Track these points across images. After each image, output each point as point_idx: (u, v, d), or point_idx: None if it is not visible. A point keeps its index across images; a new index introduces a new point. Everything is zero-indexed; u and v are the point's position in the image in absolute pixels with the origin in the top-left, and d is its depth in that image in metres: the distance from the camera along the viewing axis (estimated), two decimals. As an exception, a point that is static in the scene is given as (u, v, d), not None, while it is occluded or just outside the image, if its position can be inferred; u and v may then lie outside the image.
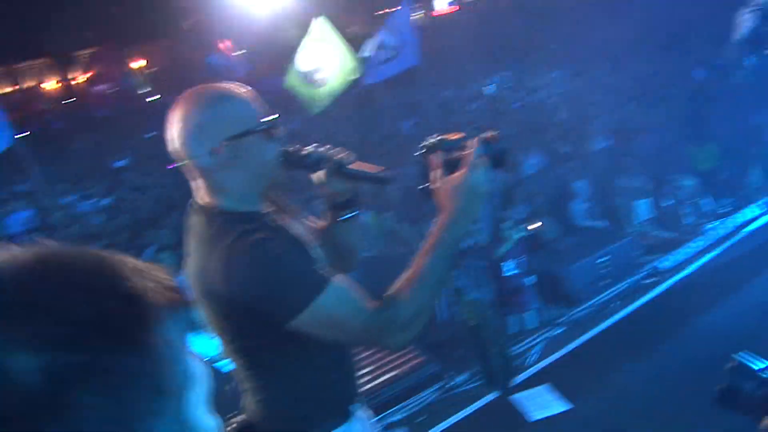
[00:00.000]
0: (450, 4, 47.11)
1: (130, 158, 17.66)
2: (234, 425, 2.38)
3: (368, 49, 11.65)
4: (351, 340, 2.26)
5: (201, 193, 2.27)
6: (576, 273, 7.79)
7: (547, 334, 6.48)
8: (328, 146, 2.46)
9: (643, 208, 10.99)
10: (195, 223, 2.25)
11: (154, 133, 20.61)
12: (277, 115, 2.27)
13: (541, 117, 13.73)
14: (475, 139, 2.18)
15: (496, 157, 2.20)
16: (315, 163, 2.42)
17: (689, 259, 7.29)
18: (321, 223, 2.63)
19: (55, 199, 14.46)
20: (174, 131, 2.20)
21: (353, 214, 2.58)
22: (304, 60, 10.61)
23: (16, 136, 14.49)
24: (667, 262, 7.10)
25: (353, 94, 12.47)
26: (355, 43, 11.33)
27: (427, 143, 2.24)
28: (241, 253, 2.06)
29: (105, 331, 0.78)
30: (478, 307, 6.74)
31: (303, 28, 10.83)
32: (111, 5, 41.94)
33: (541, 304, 8.31)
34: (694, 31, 16.12)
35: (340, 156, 2.41)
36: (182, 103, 2.22)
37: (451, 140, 2.23)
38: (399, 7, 11.38)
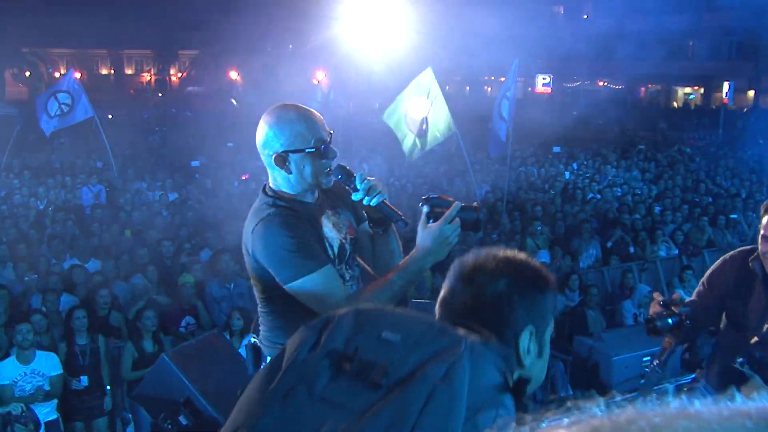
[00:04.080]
0: (545, 85, 47.67)
1: (205, 160, 18.04)
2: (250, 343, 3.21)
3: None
4: (322, 306, 2.77)
5: (269, 178, 3.02)
6: (618, 366, 7.75)
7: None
8: (373, 178, 3.00)
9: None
10: (258, 199, 3.01)
11: (232, 144, 21.18)
12: (327, 140, 2.91)
13: (613, 212, 13.68)
14: (456, 203, 2.77)
15: (469, 222, 2.79)
16: (354, 185, 2.98)
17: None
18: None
19: (126, 183, 14.89)
20: (257, 131, 2.94)
21: (381, 231, 3.13)
22: (414, 107, 11.04)
23: (93, 116, 15.08)
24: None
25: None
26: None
27: (424, 196, 2.84)
28: (262, 228, 2.84)
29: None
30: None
31: (401, 73, 11.23)
32: (220, 14, 43.37)
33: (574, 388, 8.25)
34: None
35: (372, 190, 2.94)
36: (267, 112, 2.95)
37: (439, 199, 2.82)
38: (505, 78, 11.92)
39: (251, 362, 3.19)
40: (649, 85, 46.75)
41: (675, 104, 45.09)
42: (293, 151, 2.88)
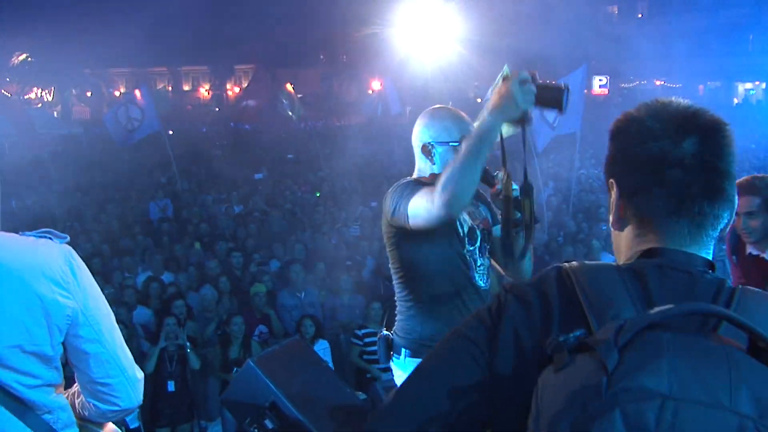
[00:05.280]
0: (602, 86, 47.14)
1: (267, 173, 18.30)
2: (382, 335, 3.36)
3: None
4: (427, 214, 2.88)
5: (415, 170, 3.29)
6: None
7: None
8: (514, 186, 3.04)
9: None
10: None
11: (291, 156, 21.39)
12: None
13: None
14: (524, 71, 2.65)
15: (551, 99, 2.65)
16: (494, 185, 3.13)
17: None
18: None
19: (192, 196, 15.19)
20: (415, 125, 3.26)
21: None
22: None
23: (160, 130, 15.42)
24: None
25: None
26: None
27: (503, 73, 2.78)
28: (401, 183, 3.13)
29: None
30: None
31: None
32: (275, 28, 43.91)
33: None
34: None
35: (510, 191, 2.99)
36: (423, 112, 3.29)
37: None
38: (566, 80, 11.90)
39: (383, 354, 3.37)
40: (708, 82, 45.89)
41: (735, 100, 44.14)
42: (439, 143, 3.17)
